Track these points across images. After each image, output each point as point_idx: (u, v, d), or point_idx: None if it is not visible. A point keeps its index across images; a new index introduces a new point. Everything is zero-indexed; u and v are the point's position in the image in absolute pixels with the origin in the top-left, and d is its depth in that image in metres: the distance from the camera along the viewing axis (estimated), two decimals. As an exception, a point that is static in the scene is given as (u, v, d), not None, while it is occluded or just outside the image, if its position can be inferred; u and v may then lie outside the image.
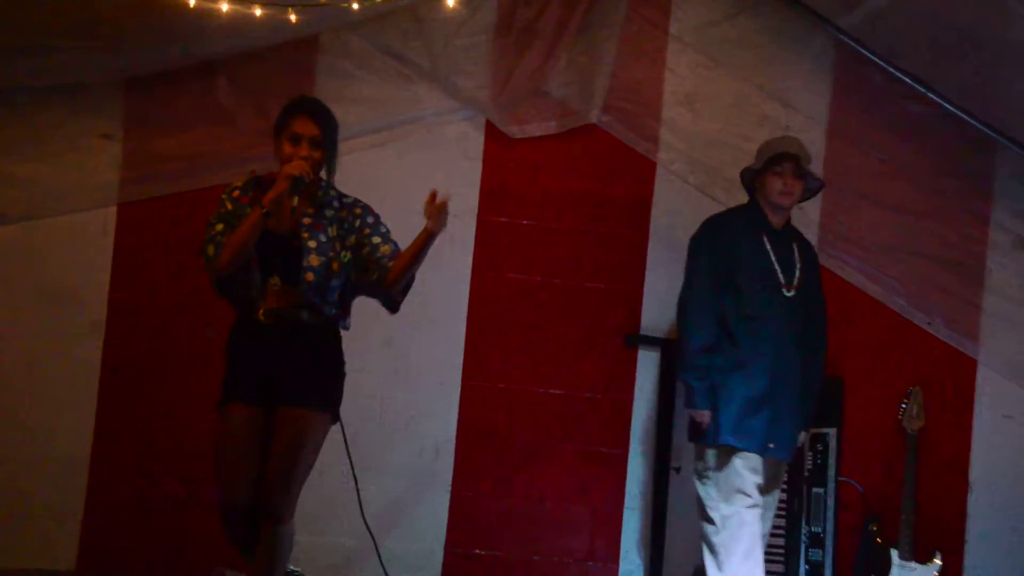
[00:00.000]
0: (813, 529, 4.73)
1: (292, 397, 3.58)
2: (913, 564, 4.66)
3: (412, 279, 3.76)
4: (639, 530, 4.98)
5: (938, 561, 4.65)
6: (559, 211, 5.03)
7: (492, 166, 5.00)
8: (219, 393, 3.69)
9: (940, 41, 4.59)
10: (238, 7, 4.13)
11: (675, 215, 5.02)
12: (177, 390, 4.83)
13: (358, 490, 3.91)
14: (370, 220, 3.74)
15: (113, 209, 4.83)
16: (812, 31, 4.96)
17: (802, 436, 4.31)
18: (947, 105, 4.83)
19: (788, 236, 4.29)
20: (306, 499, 3.84)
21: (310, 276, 3.59)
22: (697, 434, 4.20)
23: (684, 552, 4.88)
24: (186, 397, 4.81)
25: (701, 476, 4.21)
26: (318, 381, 3.65)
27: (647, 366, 5.01)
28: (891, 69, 4.88)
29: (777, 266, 4.18)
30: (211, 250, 3.57)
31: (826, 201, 4.85)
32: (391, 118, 4.88)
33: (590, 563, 4.98)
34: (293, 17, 4.31)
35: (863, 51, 4.90)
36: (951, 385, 4.98)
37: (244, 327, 3.65)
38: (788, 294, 4.17)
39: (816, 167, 4.86)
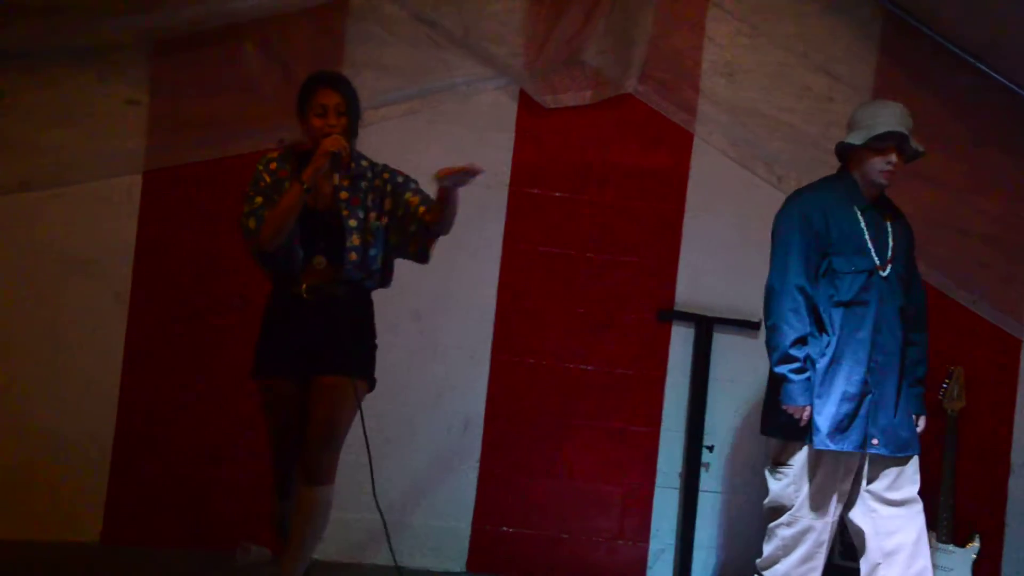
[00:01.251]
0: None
1: (331, 366, 3.72)
2: (951, 547, 4.64)
3: (453, 217, 3.79)
4: (671, 509, 4.99)
5: (976, 544, 4.62)
6: (593, 183, 5.01)
7: (525, 136, 4.98)
8: (252, 360, 3.84)
9: (991, 10, 4.53)
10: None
11: (712, 189, 5.02)
12: (202, 362, 4.83)
13: (372, 470, 3.91)
14: (399, 179, 3.86)
15: (138, 176, 4.81)
16: (859, -1, 4.93)
17: (923, 421, 4.07)
18: (997, 76, 4.79)
19: (882, 210, 4.05)
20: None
21: (353, 256, 3.71)
22: (789, 432, 3.98)
23: (715, 532, 4.98)
24: (211, 369, 4.81)
25: (777, 471, 4.04)
26: (355, 350, 3.79)
27: (681, 342, 5.01)
28: (941, 40, 4.84)
29: (871, 245, 3.94)
30: (252, 223, 3.66)
31: (869, 175, 4.83)
32: (422, 85, 4.84)
33: (620, 541, 5.01)
34: (323, -20, 4.32)
35: (910, 20, 4.89)
36: (994, 365, 4.94)
37: (284, 300, 3.76)
38: (883, 274, 3.93)
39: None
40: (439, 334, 4.88)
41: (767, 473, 4.06)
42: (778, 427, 3.99)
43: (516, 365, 4.98)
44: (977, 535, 4.63)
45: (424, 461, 4.86)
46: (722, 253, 5.01)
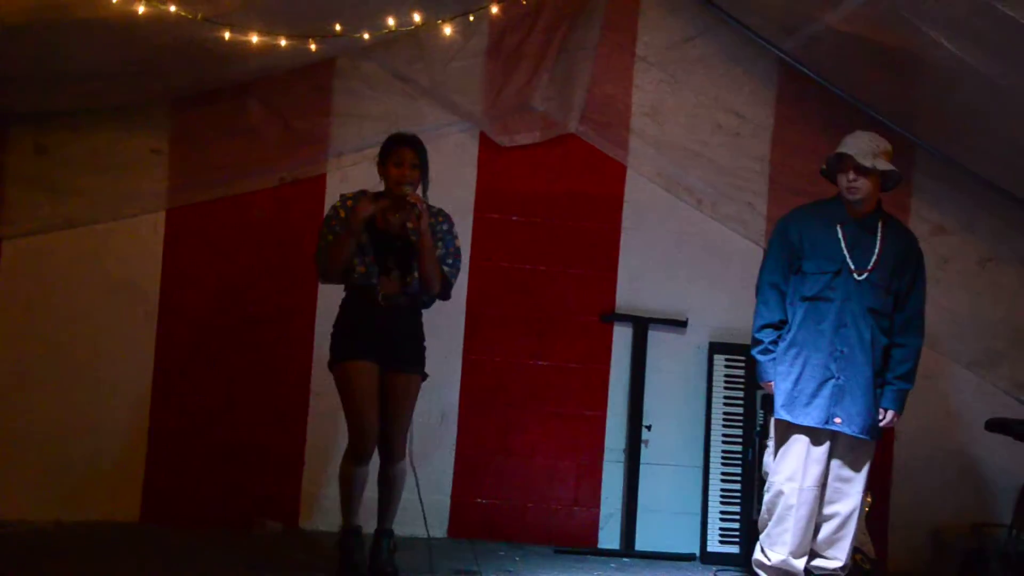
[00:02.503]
0: (763, 475, 4.76)
1: (402, 364, 4.37)
2: (848, 503, 4.78)
3: (428, 278, 4.34)
4: (617, 480, 5.35)
5: (869, 500, 4.74)
6: (544, 208, 5.38)
7: (486, 171, 5.35)
8: (331, 354, 4.39)
9: (867, 62, 4.95)
10: (266, 39, 4.52)
11: (643, 211, 5.42)
12: (220, 367, 5.21)
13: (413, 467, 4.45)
14: (444, 227, 4.45)
15: (162, 214, 5.18)
16: (759, 52, 5.37)
17: (890, 416, 4.23)
18: (873, 114, 5.20)
19: (871, 224, 4.19)
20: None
21: (416, 275, 4.33)
22: (768, 407, 4.31)
23: (655, 497, 5.37)
24: (227, 374, 5.21)
25: (768, 444, 4.39)
26: (416, 350, 4.45)
27: (621, 339, 5.38)
28: (826, 84, 5.28)
29: (847, 252, 4.13)
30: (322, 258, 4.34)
31: (772, 198, 5.32)
32: (398, 131, 5.02)
33: (575, 508, 5.36)
34: (313, 46, 4.66)
35: (802, 69, 5.32)
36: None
37: (361, 305, 4.36)
38: (858, 278, 4.12)
39: (763, 168, 5.37)
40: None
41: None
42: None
43: (484, 363, 5.34)
44: (869, 492, 4.64)
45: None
46: (653, 264, 5.42)
